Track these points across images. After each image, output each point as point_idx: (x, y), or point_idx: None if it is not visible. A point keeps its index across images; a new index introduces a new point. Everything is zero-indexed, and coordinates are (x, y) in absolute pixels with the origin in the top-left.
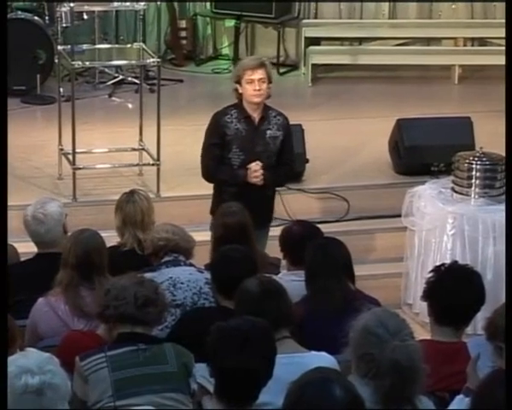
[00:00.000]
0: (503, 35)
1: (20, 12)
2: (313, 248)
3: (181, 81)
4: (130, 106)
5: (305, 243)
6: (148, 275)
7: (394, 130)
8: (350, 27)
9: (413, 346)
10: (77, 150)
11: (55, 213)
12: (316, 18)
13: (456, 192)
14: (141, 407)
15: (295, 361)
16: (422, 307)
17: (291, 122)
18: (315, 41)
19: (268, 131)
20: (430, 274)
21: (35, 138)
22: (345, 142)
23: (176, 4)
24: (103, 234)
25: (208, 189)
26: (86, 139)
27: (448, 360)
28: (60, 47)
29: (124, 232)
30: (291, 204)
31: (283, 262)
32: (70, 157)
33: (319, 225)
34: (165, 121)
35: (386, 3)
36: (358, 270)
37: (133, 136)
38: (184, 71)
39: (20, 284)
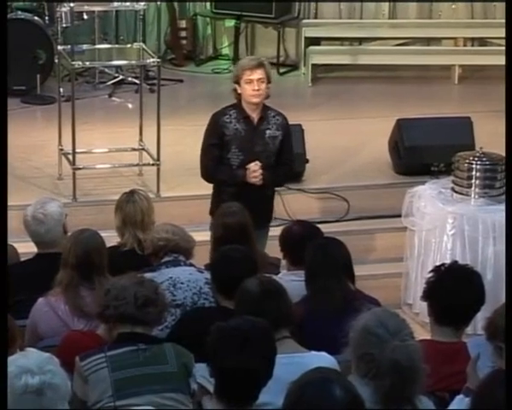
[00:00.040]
0: (503, 35)
1: (20, 12)
2: (313, 248)
3: (181, 81)
4: (130, 106)
5: (305, 243)
6: (148, 275)
7: (394, 130)
8: (350, 27)
9: (413, 346)
10: (77, 150)
11: (55, 213)
12: (316, 18)
13: (456, 192)
14: (141, 407)
15: (295, 361)
16: (422, 307)
17: (291, 122)
18: (315, 41)
19: (267, 131)
20: (430, 274)
21: (35, 138)
22: (345, 142)
23: (176, 4)
24: (103, 234)
25: (208, 189)
26: (86, 139)
27: (448, 360)
28: (60, 47)
29: (124, 232)
30: (291, 204)
31: (283, 262)
32: (70, 157)
33: (319, 225)
34: (165, 121)
35: (386, 3)
36: (358, 270)
37: (133, 136)
38: (184, 71)
39: (20, 284)
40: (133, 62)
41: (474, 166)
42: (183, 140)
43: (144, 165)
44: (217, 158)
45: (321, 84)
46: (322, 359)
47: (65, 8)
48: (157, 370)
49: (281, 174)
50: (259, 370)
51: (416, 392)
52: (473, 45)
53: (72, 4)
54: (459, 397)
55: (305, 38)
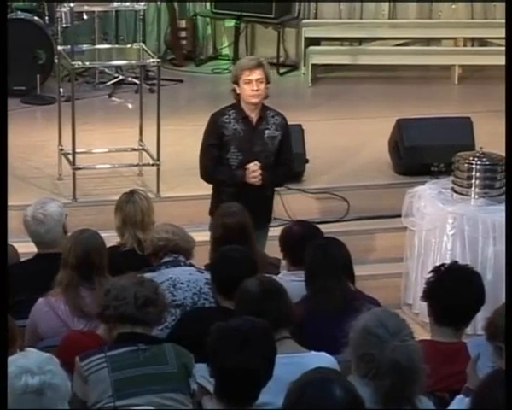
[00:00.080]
0: (503, 35)
1: (19, 12)
2: (313, 248)
3: (181, 81)
4: (130, 106)
5: (305, 243)
6: (147, 275)
7: (394, 130)
8: (350, 27)
9: (413, 346)
10: (77, 150)
11: (54, 213)
12: (316, 18)
13: (456, 192)
14: (141, 408)
15: (295, 361)
16: (422, 307)
17: (291, 122)
18: (315, 41)
19: (266, 131)
20: (430, 274)
21: (35, 138)
22: (345, 142)
23: (176, 4)
24: (103, 234)
25: (208, 189)
26: (86, 139)
27: (448, 360)
28: (60, 47)
29: (124, 232)
30: (291, 204)
31: (283, 262)
32: (70, 157)
33: (319, 226)
34: (165, 121)
35: (386, 4)
36: (358, 270)
37: (133, 136)
38: (184, 71)
39: (20, 284)
40: (133, 62)
41: (473, 166)
42: (183, 140)
43: (144, 165)
44: (216, 158)
45: (321, 85)
46: (322, 359)
47: (65, 9)
48: (157, 370)
49: (280, 174)
50: (259, 370)
51: (416, 392)
52: (473, 45)
53: (72, 4)
54: (459, 397)
55: (305, 38)
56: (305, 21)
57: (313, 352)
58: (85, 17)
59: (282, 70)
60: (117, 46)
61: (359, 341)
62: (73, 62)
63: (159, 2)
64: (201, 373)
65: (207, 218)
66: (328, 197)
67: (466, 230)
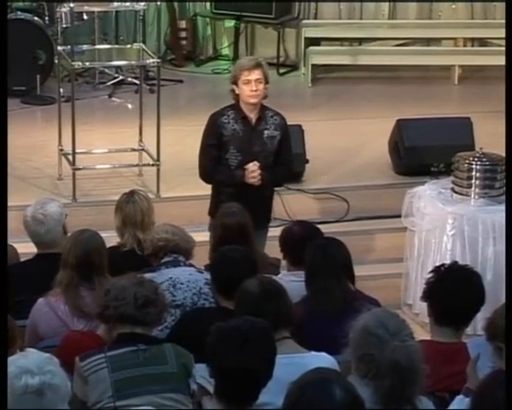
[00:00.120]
0: (503, 35)
1: (19, 12)
2: (313, 248)
3: (181, 81)
4: (129, 106)
5: (305, 243)
6: (147, 275)
7: (394, 130)
8: (350, 28)
9: (413, 346)
10: (77, 151)
11: (54, 213)
12: (316, 18)
13: (455, 193)
14: (141, 408)
15: (295, 362)
16: (422, 307)
17: (291, 123)
18: (315, 41)
19: (265, 132)
20: (430, 275)
21: (35, 139)
22: (345, 142)
23: (176, 5)
24: (103, 234)
25: (208, 189)
26: (86, 140)
27: (448, 360)
28: (60, 47)
29: (124, 233)
30: (291, 204)
31: (283, 263)
32: (70, 158)
33: (319, 226)
34: (164, 122)
35: (386, 4)
36: (358, 270)
37: (133, 136)
38: (184, 71)
39: (20, 284)
40: (133, 63)
41: (473, 166)
42: (183, 140)
43: (144, 165)
44: (215, 158)
45: (321, 85)
46: (322, 359)
47: (65, 9)
48: (157, 370)
49: (279, 174)
50: (259, 370)
51: (416, 392)
52: (473, 46)
53: (71, 5)
54: (459, 397)
55: (305, 38)
56: (305, 21)
57: (313, 352)
58: (85, 17)
59: (281, 70)
60: (117, 46)
61: (359, 341)
62: (73, 63)
63: (159, 3)
64: (201, 373)
65: (207, 218)
66: (328, 197)
67: (466, 230)
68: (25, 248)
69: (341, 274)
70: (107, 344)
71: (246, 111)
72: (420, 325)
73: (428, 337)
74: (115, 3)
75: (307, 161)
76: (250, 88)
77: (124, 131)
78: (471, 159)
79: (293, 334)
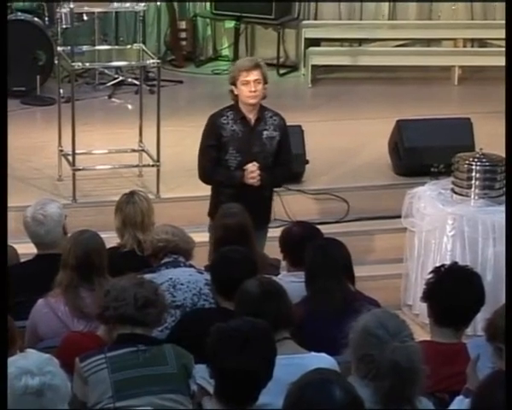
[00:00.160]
0: (503, 36)
1: (19, 13)
2: (313, 249)
3: (181, 82)
4: (129, 107)
5: (305, 243)
6: (147, 276)
7: (394, 131)
8: (350, 28)
9: (413, 347)
10: (77, 151)
11: (54, 214)
12: (316, 19)
13: (455, 193)
14: (140, 409)
15: (295, 362)
16: (422, 308)
17: (291, 123)
18: (315, 42)
19: (264, 132)
20: (430, 275)
21: (35, 139)
22: (344, 143)
23: (176, 5)
24: (103, 235)
25: (208, 190)
26: (86, 140)
27: (448, 361)
28: (59, 48)
29: (123, 233)
30: (291, 205)
31: (283, 263)
32: (70, 158)
33: (319, 226)
34: (164, 122)
35: (386, 4)
36: (358, 271)
37: (133, 137)
38: (184, 72)
39: (20, 285)
40: (133, 63)
41: (473, 167)
42: (183, 141)
43: (144, 166)
44: (214, 159)
45: (321, 85)
46: (321, 360)
47: (65, 10)
48: (157, 371)
49: (279, 175)
50: (259, 371)
51: (416, 393)
52: (472, 46)
53: (71, 5)
54: (459, 398)
55: (305, 38)
56: (304, 22)
57: (313, 353)
58: (85, 18)
59: (281, 71)
60: (117, 47)
61: (359, 342)
62: (73, 63)
63: (159, 3)
64: (201, 374)
65: (207, 219)
66: (327, 198)
67: (466, 231)
68: (25, 248)
69: (341, 275)
70: (107, 345)
71: (245, 112)
72: (420, 326)
73: (428, 338)
74: (115, 4)
75: (307, 162)
76: (249, 89)
77: (124, 131)
78: (471, 159)
79: (293, 335)
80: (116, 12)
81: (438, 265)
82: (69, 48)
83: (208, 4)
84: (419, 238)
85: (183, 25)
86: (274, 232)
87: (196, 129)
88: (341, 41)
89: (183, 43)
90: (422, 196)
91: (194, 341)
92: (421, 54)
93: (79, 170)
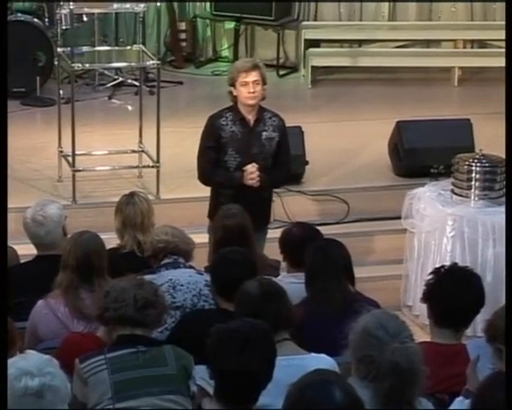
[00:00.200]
0: (503, 37)
1: (19, 14)
2: (313, 250)
3: (181, 83)
4: (129, 108)
5: (305, 244)
6: (147, 277)
7: (394, 132)
8: (349, 29)
9: (413, 348)
10: (76, 152)
11: (54, 215)
12: (315, 20)
13: (455, 194)
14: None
15: (295, 363)
16: (422, 309)
17: (291, 124)
18: (314, 43)
19: (264, 133)
20: (430, 276)
21: (35, 140)
22: (344, 144)
23: (175, 6)
24: (103, 236)
25: (208, 191)
26: (86, 141)
27: (448, 362)
28: (59, 49)
29: (123, 234)
30: (291, 206)
31: (283, 264)
32: (70, 159)
33: (319, 227)
34: (164, 123)
35: (386, 5)
36: (358, 272)
37: (133, 138)
38: (184, 73)
39: (20, 286)
40: (133, 64)
41: (473, 168)
42: (183, 142)
43: (144, 167)
44: (213, 160)
45: (320, 87)
46: (321, 361)
47: (65, 10)
48: (157, 372)
49: (278, 176)
50: (259, 372)
51: (416, 394)
52: (472, 47)
53: (71, 6)
54: (459, 399)
55: (305, 40)
56: (304, 23)
57: (313, 354)
58: (85, 19)
59: (281, 72)
60: (117, 48)
61: (359, 343)
62: (73, 64)
63: (158, 4)
64: (201, 375)
65: (207, 220)
66: (327, 199)
67: (466, 232)
68: (24, 249)
69: (341, 276)
70: (106, 346)
71: (244, 113)
72: (420, 327)
73: (428, 339)
74: (115, 5)
75: (307, 163)
76: (248, 90)
77: (123, 132)
78: (471, 160)
79: (293, 336)
80: (116, 13)
81: (438, 266)
82: (69, 49)
83: (208, 5)
84: (419, 239)
85: (182, 26)
86: (274, 233)
87: (196, 130)
88: (341, 42)
89: (183, 44)
90: (422, 197)
91: (194, 342)
92: (420, 55)
93: (79, 171)
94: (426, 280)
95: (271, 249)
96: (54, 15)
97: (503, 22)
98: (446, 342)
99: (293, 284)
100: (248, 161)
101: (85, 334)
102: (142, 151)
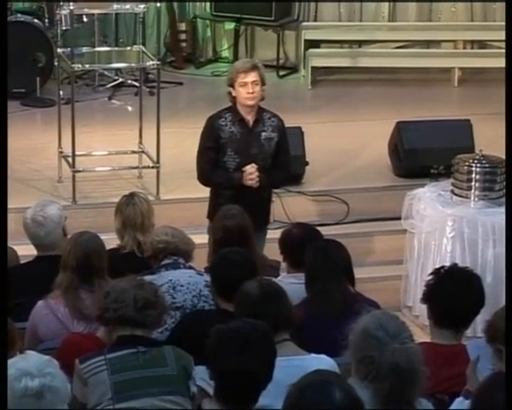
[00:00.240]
0: (503, 37)
1: (19, 15)
2: (313, 250)
3: (181, 84)
4: (129, 108)
5: (305, 245)
6: (147, 278)
7: (394, 132)
8: (349, 30)
9: (413, 349)
10: (76, 153)
11: (54, 215)
12: (315, 20)
13: (455, 195)
14: None
15: (295, 364)
16: (422, 309)
17: (291, 125)
18: (315, 44)
19: (263, 133)
20: (430, 277)
21: (35, 141)
22: (344, 144)
23: (175, 7)
24: (103, 236)
25: (208, 191)
26: (86, 142)
27: (448, 362)
28: (59, 50)
29: (123, 235)
30: (291, 207)
31: (283, 265)
32: (70, 160)
33: (319, 228)
34: (164, 124)
35: (386, 6)
36: (358, 272)
37: (133, 138)
38: (184, 73)
39: (20, 286)
40: (133, 65)
41: (473, 168)
42: (183, 143)
43: (144, 167)
44: (213, 161)
45: (321, 87)
46: (321, 361)
47: (65, 11)
48: (157, 372)
49: (277, 176)
50: (259, 372)
51: (416, 395)
52: (472, 48)
53: (71, 7)
54: (459, 400)
55: (305, 40)
56: (304, 24)
57: (313, 354)
58: (85, 20)
59: (281, 72)
60: (117, 49)
61: (359, 343)
62: (73, 65)
63: (158, 5)
64: (201, 376)
65: (207, 220)
66: (327, 200)
67: (466, 232)
68: (24, 250)
69: (341, 276)
70: (106, 346)
71: (243, 113)
72: (420, 328)
73: (428, 340)
74: (115, 6)
75: (307, 164)
76: (247, 90)
77: (124, 133)
78: (471, 161)
79: (293, 336)
80: (116, 13)
81: (437, 266)
82: (69, 49)
83: (208, 6)
84: (419, 240)
85: (182, 26)
86: (274, 234)
87: (196, 130)
88: (341, 42)
89: (183, 44)
90: (422, 197)
91: (194, 342)
92: (420, 55)
93: (79, 171)
94: (426, 281)
95: (271, 250)
96: (54, 16)
97: (503, 23)
98: (446, 342)
99: (293, 284)
100: (248, 162)
101: (85, 334)
102: (142, 152)
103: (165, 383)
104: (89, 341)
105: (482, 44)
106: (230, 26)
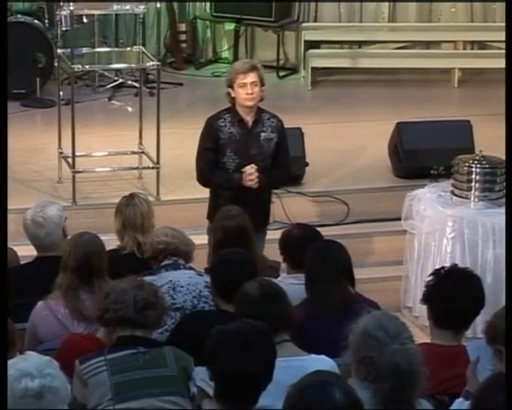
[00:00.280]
0: (503, 38)
1: (19, 15)
2: (313, 251)
3: (181, 84)
4: (129, 109)
5: (305, 246)
6: (147, 278)
7: (394, 133)
8: (349, 31)
9: (413, 349)
10: (76, 154)
11: (54, 216)
12: (315, 21)
13: (455, 195)
14: None
15: (295, 365)
16: (422, 310)
17: (291, 126)
18: (314, 44)
19: (262, 134)
20: (430, 277)
21: (35, 142)
22: (344, 145)
23: (175, 7)
24: (103, 237)
25: (207, 192)
26: (86, 143)
27: (448, 363)
28: (59, 50)
29: (123, 236)
30: (291, 207)
31: (283, 265)
32: (70, 160)
33: (319, 229)
34: (164, 125)
35: (386, 6)
36: (358, 273)
37: (133, 139)
38: (184, 74)
39: (20, 287)
40: (133, 66)
41: (473, 169)
42: (183, 143)
43: (144, 168)
44: (212, 162)
45: (321, 88)
46: (321, 362)
47: (65, 12)
48: (156, 373)
49: (277, 177)
50: (259, 373)
51: (416, 395)
52: (472, 48)
53: (71, 8)
54: (459, 400)
55: (305, 41)
56: (304, 24)
57: (313, 355)
58: (85, 20)
59: (281, 73)
60: (117, 49)
61: (359, 344)
62: (73, 65)
63: (158, 5)
64: (201, 376)
65: (207, 221)
66: (327, 200)
67: (466, 233)
68: (24, 251)
69: (341, 277)
70: (106, 347)
71: (242, 114)
72: (420, 328)
73: (428, 340)
74: (115, 6)
75: (307, 164)
76: (246, 91)
77: (124, 134)
78: (471, 162)
79: (293, 337)
80: (116, 14)
81: (437, 267)
82: (69, 50)
83: (208, 6)
84: (419, 240)
85: (182, 27)
86: (274, 235)
87: (196, 131)
88: (341, 43)
89: (183, 45)
90: (422, 198)
91: (194, 343)
92: (421, 56)
93: (79, 172)
94: (426, 281)
95: (271, 250)
96: (54, 17)
97: (503, 23)
98: (446, 343)
99: (293, 285)
100: (247, 163)
101: (85, 335)
102: (142, 152)
103: (165, 384)
104: (89, 342)
105: (482, 45)
106: (230, 26)
